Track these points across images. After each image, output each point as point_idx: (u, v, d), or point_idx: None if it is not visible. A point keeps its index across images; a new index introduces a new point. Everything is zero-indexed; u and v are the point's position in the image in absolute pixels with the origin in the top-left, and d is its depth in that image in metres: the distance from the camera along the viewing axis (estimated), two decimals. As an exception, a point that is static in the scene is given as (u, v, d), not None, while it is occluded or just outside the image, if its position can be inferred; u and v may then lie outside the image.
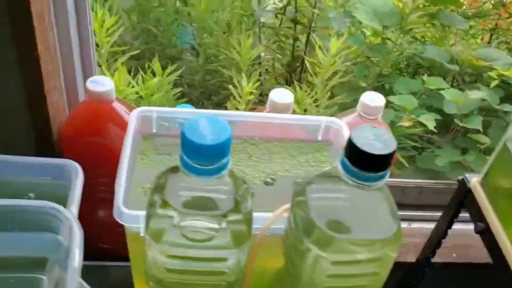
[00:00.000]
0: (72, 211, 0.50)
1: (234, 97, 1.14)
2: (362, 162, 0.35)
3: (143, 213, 0.46)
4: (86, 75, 0.77)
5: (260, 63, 1.41)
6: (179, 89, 1.20)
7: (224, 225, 0.35)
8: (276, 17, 1.43)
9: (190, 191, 0.36)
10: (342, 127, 0.59)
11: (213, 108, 1.33)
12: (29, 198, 0.53)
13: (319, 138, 0.62)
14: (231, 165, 0.35)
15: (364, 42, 1.24)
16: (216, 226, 0.35)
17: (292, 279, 0.42)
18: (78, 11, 0.70)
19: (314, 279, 0.39)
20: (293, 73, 1.44)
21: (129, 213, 0.46)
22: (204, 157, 0.33)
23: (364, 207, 0.38)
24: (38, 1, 0.59)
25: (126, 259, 0.69)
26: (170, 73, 1.12)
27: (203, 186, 0.35)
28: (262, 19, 1.40)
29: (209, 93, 1.41)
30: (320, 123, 0.61)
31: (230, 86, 1.13)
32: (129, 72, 1.09)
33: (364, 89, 1.28)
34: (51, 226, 0.45)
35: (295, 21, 1.37)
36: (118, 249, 0.74)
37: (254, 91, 1.09)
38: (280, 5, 1.40)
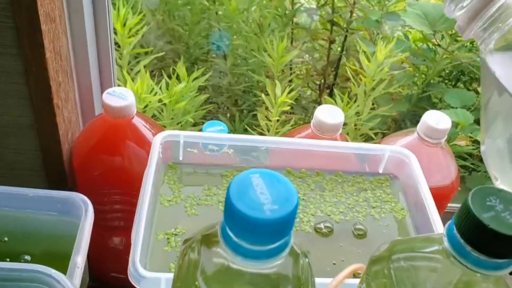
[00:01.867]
0: (76, 262, 0.40)
1: (267, 108, 1.03)
2: (487, 245, 0.24)
3: (166, 276, 0.36)
4: (104, 85, 0.68)
5: (291, 67, 1.30)
6: (206, 95, 1.10)
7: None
8: (311, 18, 1.32)
9: (235, 277, 0.25)
10: (411, 159, 0.48)
11: (240, 115, 1.23)
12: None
13: (380, 170, 0.51)
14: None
15: (410, 48, 1.12)
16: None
17: None
18: (96, 11, 0.60)
19: None
20: (327, 78, 1.33)
21: (149, 276, 0.36)
22: (260, 236, 0.23)
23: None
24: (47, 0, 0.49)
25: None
26: (196, 78, 1.02)
27: (254, 271, 0.25)
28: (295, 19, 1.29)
29: (236, 98, 1.31)
30: (383, 153, 0.50)
31: (263, 95, 1.02)
32: (152, 75, 1.00)
33: (409, 99, 1.17)
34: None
35: (332, 22, 1.25)
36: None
37: (289, 101, 0.98)
38: (314, 5, 1.29)
